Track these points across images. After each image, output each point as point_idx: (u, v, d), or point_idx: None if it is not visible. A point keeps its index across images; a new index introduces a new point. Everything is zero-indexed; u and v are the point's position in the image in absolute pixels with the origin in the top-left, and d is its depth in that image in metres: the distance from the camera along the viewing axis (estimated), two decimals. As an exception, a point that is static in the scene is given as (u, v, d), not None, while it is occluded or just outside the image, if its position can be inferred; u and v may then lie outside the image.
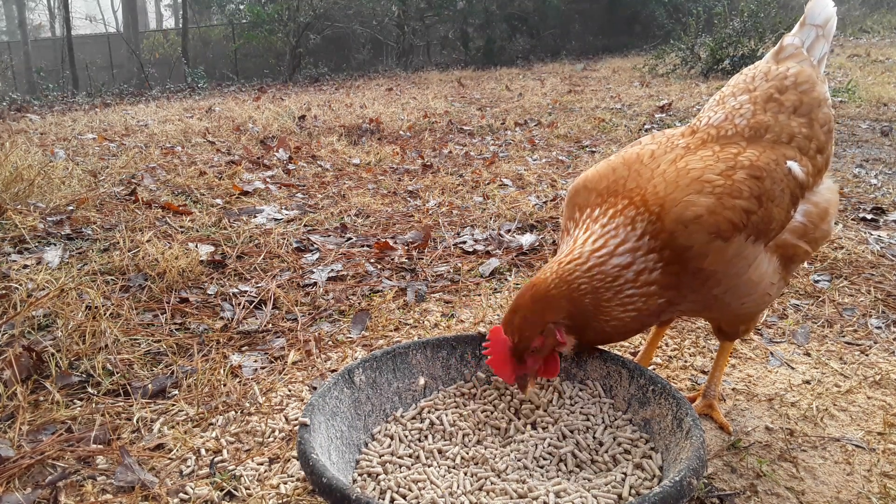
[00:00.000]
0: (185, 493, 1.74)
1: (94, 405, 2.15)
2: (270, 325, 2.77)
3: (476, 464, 1.66)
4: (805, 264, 3.24)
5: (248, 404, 2.17)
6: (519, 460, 1.66)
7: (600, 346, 1.90)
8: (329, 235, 3.96)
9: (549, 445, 1.70)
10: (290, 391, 2.25)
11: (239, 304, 2.93)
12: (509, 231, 3.93)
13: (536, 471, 1.62)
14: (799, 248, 1.77)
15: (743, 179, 1.64)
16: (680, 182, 1.64)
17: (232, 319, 2.80)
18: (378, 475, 1.61)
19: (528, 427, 1.78)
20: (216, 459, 1.88)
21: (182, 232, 3.91)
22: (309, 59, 22.19)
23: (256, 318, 2.83)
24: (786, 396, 2.15)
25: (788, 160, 1.73)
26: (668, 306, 1.69)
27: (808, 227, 1.78)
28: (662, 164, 1.72)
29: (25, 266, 3.29)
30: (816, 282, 3.06)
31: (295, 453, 1.88)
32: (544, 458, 1.67)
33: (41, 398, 2.18)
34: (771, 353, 2.45)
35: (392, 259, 3.51)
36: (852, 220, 3.96)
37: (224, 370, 2.36)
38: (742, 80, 1.96)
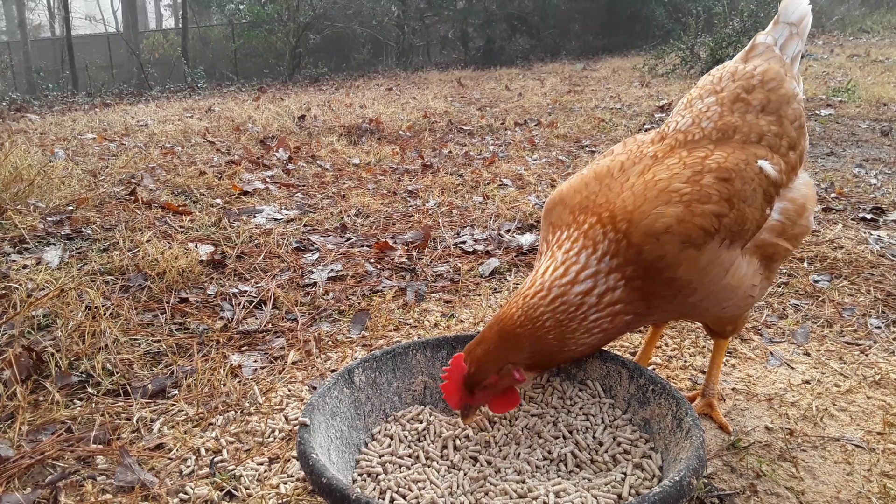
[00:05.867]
0: (185, 492, 1.74)
1: (93, 405, 2.15)
2: (270, 325, 2.77)
3: (476, 463, 1.67)
4: (805, 264, 3.25)
5: (247, 404, 2.17)
6: (518, 460, 1.66)
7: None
8: (329, 235, 3.96)
9: (549, 445, 1.70)
10: (289, 391, 2.25)
11: (239, 304, 2.93)
12: (509, 231, 3.93)
13: (536, 471, 1.62)
14: (779, 246, 1.77)
15: (711, 183, 1.63)
16: (648, 195, 1.62)
17: (232, 319, 2.80)
18: (378, 475, 1.61)
19: (528, 427, 1.78)
20: (216, 459, 1.88)
21: (182, 232, 3.91)
22: (309, 58, 22.19)
23: (256, 318, 2.83)
24: (785, 396, 2.15)
25: (759, 159, 1.72)
26: (635, 321, 1.69)
27: (787, 225, 1.76)
28: (631, 176, 1.70)
29: (25, 266, 3.29)
30: (816, 282, 3.06)
31: (295, 453, 1.88)
32: (544, 458, 1.67)
33: (41, 398, 2.19)
34: (771, 352, 2.45)
35: (392, 259, 3.51)
36: (852, 219, 3.96)
37: (224, 370, 2.37)
38: (709, 80, 1.94)
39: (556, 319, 1.63)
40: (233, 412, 2.12)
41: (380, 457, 1.68)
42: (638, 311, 1.66)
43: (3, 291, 2.90)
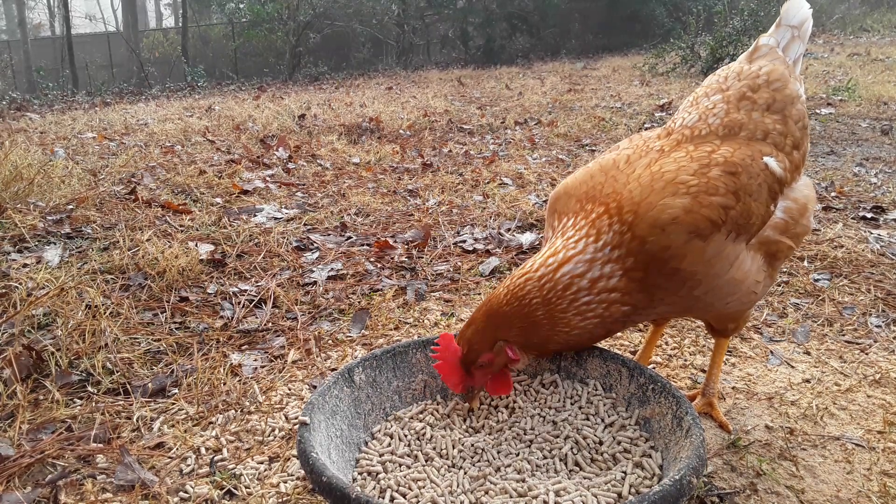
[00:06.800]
0: (185, 491, 1.74)
1: (93, 404, 2.15)
2: (270, 324, 2.77)
3: (476, 463, 1.66)
4: (805, 263, 3.24)
5: (247, 403, 2.17)
6: (519, 459, 1.66)
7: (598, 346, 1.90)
8: (329, 234, 3.96)
9: (549, 444, 1.70)
10: (289, 390, 2.25)
11: (239, 303, 2.93)
12: (509, 230, 3.93)
13: (536, 470, 1.62)
14: (782, 243, 1.78)
15: (718, 176, 1.64)
16: (655, 186, 1.63)
17: (232, 318, 2.80)
18: (378, 474, 1.61)
19: (528, 426, 1.78)
20: (216, 458, 1.88)
21: (182, 231, 3.91)
22: (309, 57, 22.17)
23: (256, 317, 2.83)
24: (786, 395, 2.15)
25: (765, 156, 1.74)
26: (635, 312, 1.69)
27: (789, 223, 1.79)
28: (638, 168, 1.72)
29: (25, 265, 3.29)
30: (816, 280, 3.06)
31: (295, 452, 1.88)
32: (544, 457, 1.67)
33: (41, 397, 2.19)
34: (771, 351, 2.45)
35: (392, 258, 3.51)
36: (852, 218, 3.96)
37: (224, 369, 2.37)
38: (715, 80, 1.97)
39: (543, 297, 1.64)
40: (233, 411, 2.12)
41: (380, 455, 1.68)
42: (638, 303, 1.66)
43: (4, 290, 2.90)
